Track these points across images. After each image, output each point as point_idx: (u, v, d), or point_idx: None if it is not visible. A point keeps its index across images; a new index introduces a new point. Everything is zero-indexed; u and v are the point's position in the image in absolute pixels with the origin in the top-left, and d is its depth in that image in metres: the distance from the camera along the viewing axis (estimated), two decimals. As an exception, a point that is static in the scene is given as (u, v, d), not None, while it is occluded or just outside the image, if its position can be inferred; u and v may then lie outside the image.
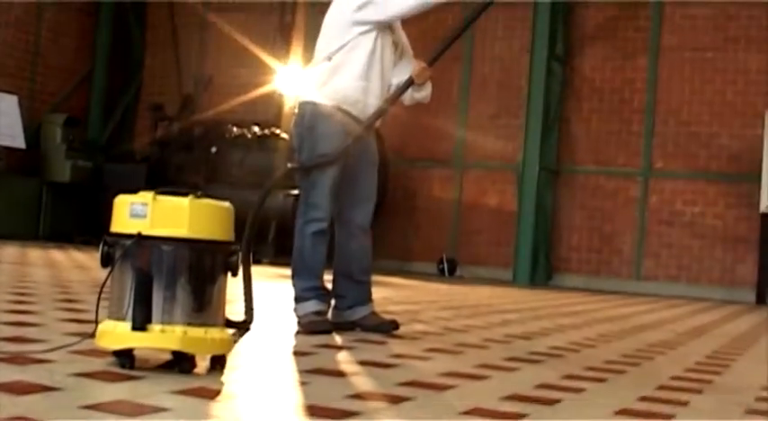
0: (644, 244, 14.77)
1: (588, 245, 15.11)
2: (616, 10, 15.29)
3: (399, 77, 5.62)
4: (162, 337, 3.32)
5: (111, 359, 3.41)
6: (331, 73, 5.44)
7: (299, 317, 5.35)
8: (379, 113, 5.50)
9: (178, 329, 3.32)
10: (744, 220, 14.24)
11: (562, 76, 15.18)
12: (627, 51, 15.18)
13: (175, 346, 3.35)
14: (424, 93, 5.70)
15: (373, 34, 5.46)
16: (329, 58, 5.45)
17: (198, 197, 3.41)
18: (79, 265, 9.81)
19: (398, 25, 5.71)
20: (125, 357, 3.35)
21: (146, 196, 3.37)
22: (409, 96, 5.64)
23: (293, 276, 5.45)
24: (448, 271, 14.96)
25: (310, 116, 5.47)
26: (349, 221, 5.55)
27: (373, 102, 5.48)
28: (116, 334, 3.36)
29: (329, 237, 5.49)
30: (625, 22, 15.20)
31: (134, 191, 3.48)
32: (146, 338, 3.32)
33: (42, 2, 16.73)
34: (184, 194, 3.40)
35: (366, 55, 5.45)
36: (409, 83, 5.53)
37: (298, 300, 5.38)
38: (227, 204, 3.53)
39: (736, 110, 14.45)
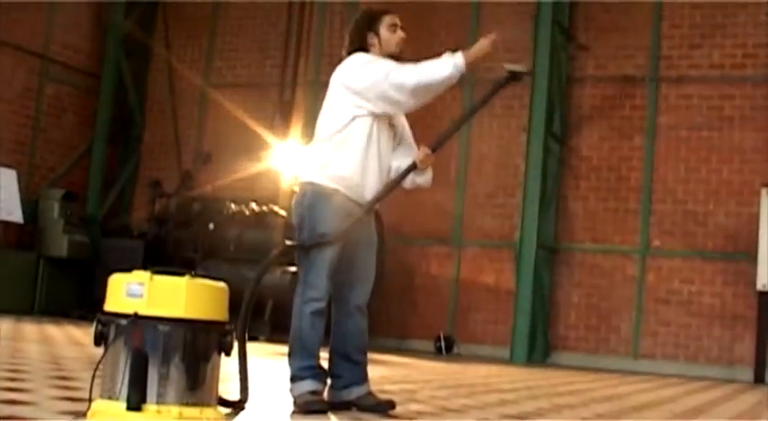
0: (641, 322, 14.72)
1: (586, 323, 15.07)
2: (612, 89, 15.44)
3: (399, 161, 5.65)
4: (158, 417, 3.30)
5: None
6: (329, 155, 5.48)
7: (294, 396, 5.31)
8: (380, 198, 5.52)
9: (173, 409, 3.30)
10: (741, 298, 14.21)
11: (559, 155, 15.28)
12: (623, 130, 15.29)
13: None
14: (426, 177, 5.71)
15: (370, 117, 5.51)
16: (329, 140, 5.49)
17: (193, 277, 3.41)
18: (74, 341, 9.76)
19: None
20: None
21: (142, 276, 3.37)
22: (411, 180, 5.65)
23: (290, 355, 5.42)
24: (445, 349, 14.88)
25: (311, 196, 5.49)
26: (346, 301, 5.54)
27: (371, 184, 5.50)
28: (110, 413, 3.34)
29: (326, 317, 5.48)
30: (621, 102, 15.33)
31: (129, 269, 3.49)
32: (141, 418, 3.30)
33: (43, 78, 16.87)
34: (180, 274, 3.40)
35: (364, 138, 5.48)
36: (412, 168, 5.55)
37: (294, 379, 5.35)
38: (221, 285, 3.54)
39: (732, 188, 14.51)
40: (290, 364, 5.39)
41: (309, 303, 5.36)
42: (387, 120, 5.64)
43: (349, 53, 5.86)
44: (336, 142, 5.48)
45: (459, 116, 6.22)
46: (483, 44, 5.78)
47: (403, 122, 5.82)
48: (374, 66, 5.65)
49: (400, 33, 5.92)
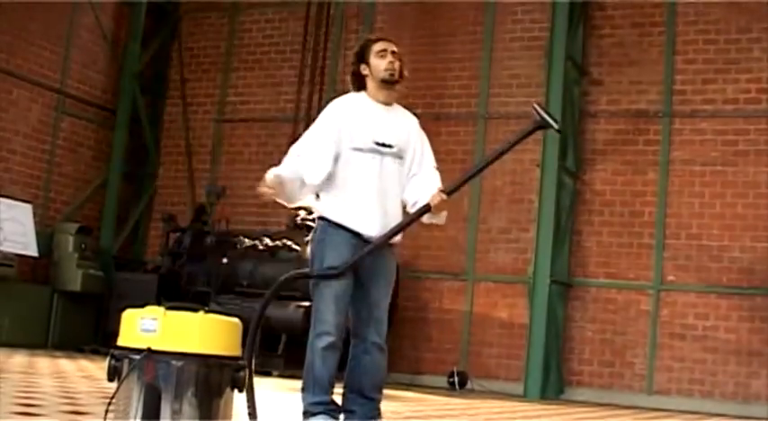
0: (656, 357, 14.65)
1: (600, 358, 15.00)
2: (626, 124, 15.45)
3: (415, 194, 5.67)
4: (169, 452, 3.30)
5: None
6: (331, 190, 5.57)
7: None
8: (390, 235, 5.51)
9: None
10: (757, 334, 14.15)
11: (573, 190, 15.28)
12: (637, 165, 15.29)
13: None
14: (440, 217, 5.70)
15: (352, 153, 5.58)
16: (329, 176, 5.55)
17: (206, 313, 3.42)
18: (88, 376, 9.75)
19: (405, 138, 5.77)
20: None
21: (156, 311, 3.39)
22: (426, 217, 5.65)
23: (302, 390, 5.44)
24: (458, 384, 14.81)
25: (321, 229, 5.59)
26: (364, 338, 5.55)
27: (373, 219, 5.53)
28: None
29: (340, 352, 5.49)
30: (635, 136, 15.34)
31: (142, 304, 3.50)
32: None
33: (59, 112, 16.97)
34: (194, 310, 3.41)
35: (357, 173, 5.56)
36: (425, 210, 5.54)
37: (306, 414, 5.36)
38: (234, 320, 3.54)
39: (746, 223, 14.48)
40: (303, 399, 5.41)
41: (320, 337, 5.38)
42: (388, 154, 5.65)
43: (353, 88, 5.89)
44: (336, 178, 5.56)
45: (480, 161, 6.14)
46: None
47: (416, 153, 5.80)
48: (310, 128, 5.79)
49: (389, 58, 5.77)
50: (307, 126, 15.90)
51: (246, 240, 15.12)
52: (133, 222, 18.31)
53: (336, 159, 5.54)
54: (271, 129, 17.65)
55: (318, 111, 16.34)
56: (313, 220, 5.80)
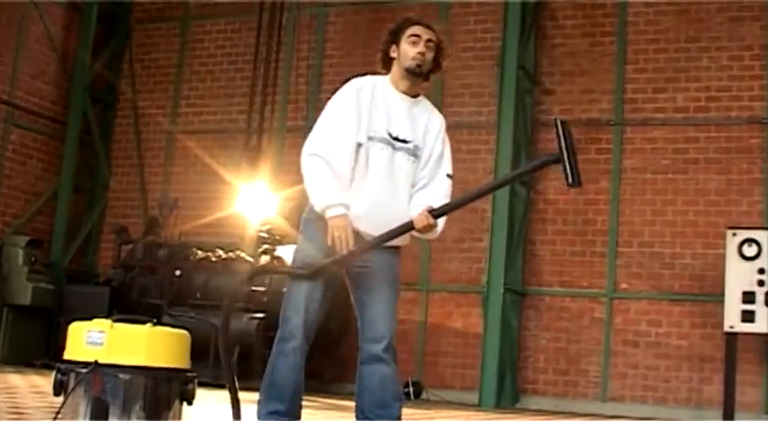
0: (610, 365, 14.72)
1: (554, 366, 15.05)
2: (578, 133, 15.48)
3: (417, 200, 5.26)
4: (116, 467, 3.24)
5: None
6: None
7: None
8: (373, 245, 5.12)
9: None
10: (709, 340, 14.24)
11: (526, 199, 15.33)
12: (589, 173, 15.34)
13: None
14: (431, 233, 5.33)
15: (362, 147, 5.14)
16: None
17: (155, 325, 3.37)
18: (38, 391, 9.62)
19: (423, 135, 5.30)
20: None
21: (103, 324, 3.33)
22: (416, 232, 5.24)
23: (259, 400, 5.07)
24: (413, 394, 14.78)
25: (309, 219, 5.27)
26: (360, 347, 5.22)
27: (379, 217, 5.13)
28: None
29: (303, 358, 5.14)
30: (587, 145, 15.40)
31: (92, 317, 3.44)
32: (100, 468, 3.24)
33: (8, 124, 16.79)
34: (142, 322, 3.36)
35: (364, 164, 5.15)
36: (408, 228, 5.13)
37: None
38: (183, 332, 3.49)
39: (697, 230, 14.59)
40: (258, 410, 5.05)
41: (283, 341, 5.05)
42: (402, 149, 5.22)
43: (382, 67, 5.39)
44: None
45: (479, 188, 5.74)
46: (344, 245, 4.99)
47: (433, 154, 5.32)
48: (325, 111, 5.35)
49: (420, 47, 5.27)
50: (259, 137, 15.97)
51: (199, 252, 15.03)
52: (84, 234, 18.14)
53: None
54: (223, 140, 17.55)
55: (272, 123, 16.36)
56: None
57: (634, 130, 15.24)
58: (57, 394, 3.37)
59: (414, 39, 5.28)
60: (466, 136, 15.89)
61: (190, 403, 3.48)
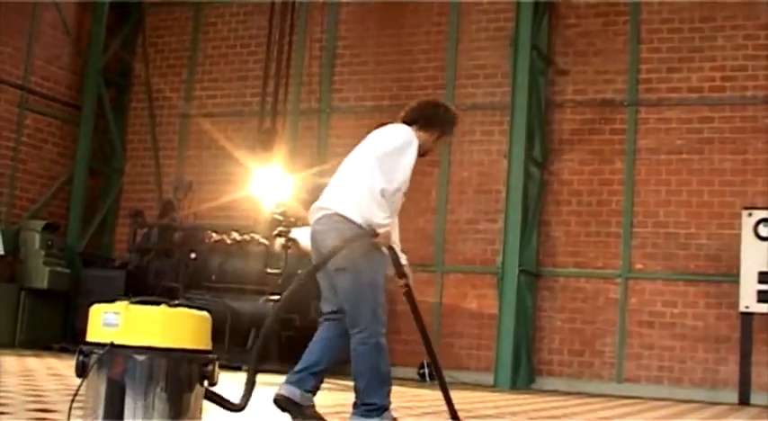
0: (625, 346, 14.72)
1: (569, 347, 15.05)
2: (592, 113, 15.49)
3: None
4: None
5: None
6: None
7: None
8: (334, 252, 5.63)
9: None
10: (724, 320, 14.23)
11: (540, 180, 15.31)
12: (604, 154, 15.34)
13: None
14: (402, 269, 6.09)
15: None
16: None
17: (173, 306, 3.38)
18: (55, 373, 9.67)
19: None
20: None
21: (119, 306, 3.35)
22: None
23: (366, 389, 5.76)
24: (428, 375, 14.79)
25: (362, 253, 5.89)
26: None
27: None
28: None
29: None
30: (601, 126, 15.39)
31: (112, 300, 3.45)
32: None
33: (23, 109, 16.83)
34: (159, 304, 3.37)
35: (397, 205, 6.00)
36: (370, 234, 5.70)
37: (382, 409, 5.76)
38: (201, 313, 3.50)
39: (713, 210, 14.56)
40: (381, 406, 5.73)
41: (382, 336, 5.90)
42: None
43: (407, 120, 6.16)
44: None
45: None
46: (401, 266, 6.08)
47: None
48: (401, 154, 5.92)
49: (436, 149, 6.55)
50: (273, 119, 15.97)
51: (214, 235, 15.05)
52: (100, 218, 18.19)
53: None
54: (237, 123, 17.59)
55: (285, 105, 16.33)
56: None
57: (648, 111, 15.19)
58: (79, 375, 3.40)
59: (442, 142, 6.47)
60: (480, 117, 15.88)
61: (211, 383, 3.48)
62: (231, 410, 4.30)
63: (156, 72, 18.71)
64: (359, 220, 5.67)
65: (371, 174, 5.67)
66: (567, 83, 15.73)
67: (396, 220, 5.96)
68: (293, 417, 5.72)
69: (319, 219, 5.84)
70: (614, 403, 11.78)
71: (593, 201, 15.29)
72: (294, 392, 5.69)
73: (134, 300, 3.41)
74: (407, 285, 6.14)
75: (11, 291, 15.65)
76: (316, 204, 5.92)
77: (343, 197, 5.79)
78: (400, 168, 5.80)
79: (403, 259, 6.07)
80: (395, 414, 5.73)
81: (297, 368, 5.79)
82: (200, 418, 3.50)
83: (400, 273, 6.06)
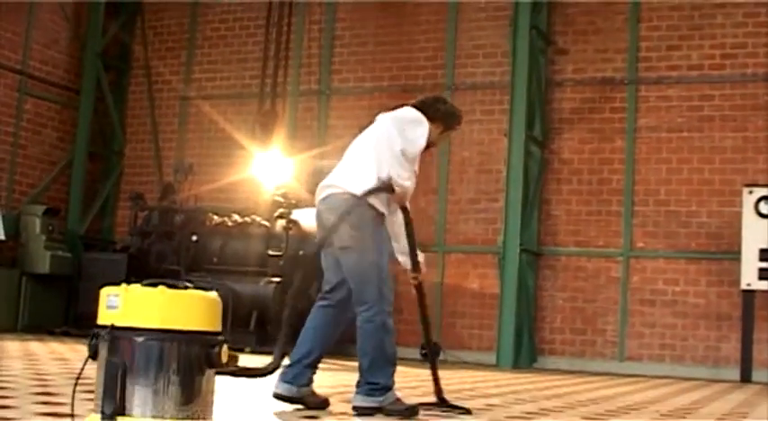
0: (627, 324, 14.74)
1: (571, 326, 15.08)
2: (592, 92, 15.47)
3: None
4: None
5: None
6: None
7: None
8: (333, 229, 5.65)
9: (142, 422, 3.25)
10: (726, 298, 14.25)
11: (541, 159, 15.30)
12: (604, 133, 15.33)
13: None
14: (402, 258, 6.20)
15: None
16: None
17: (180, 288, 3.37)
18: (58, 357, 9.69)
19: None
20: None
21: (120, 288, 3.34)
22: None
23: (380, 383, 5.69)
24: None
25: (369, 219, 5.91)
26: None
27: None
28: (93, 427, 3.32)
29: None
30: (601, 104, 15.37)
31: (125, 282, 3.44)
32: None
33: (22, 93, 16.80)
34: (170, 286, 3.36)
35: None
36: (386, 189, 5.70)
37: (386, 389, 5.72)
38: (208, 295, 3.48)
39: (713, 188, 14.56)
40: (385, 386, 5.67)
41: (388, 316, 5.77)
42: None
43: (419, 105, 6.18)
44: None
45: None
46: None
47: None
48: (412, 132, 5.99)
49: (440, 144, 6.56)
50: (273, 101, 15.95)
51: (215, 217, 15.06)
52: (101, 202, 18.20)
53: None
54: (237, 105, 17.57)
55: (285, 87, 16.29)
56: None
57: (648, 89, 15.17)
58: (93, 358, 3.40)
59: (446, 137, 6.48)
60: (480, 96, 15.86)
61: (216, 367, 3.45)
62: (256, 376, 4.26)
63: (155, 55, 18.68)
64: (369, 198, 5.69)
65: (389, 137, 5.77)
66: (567, 62, 15.71)
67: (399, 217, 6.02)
68: (294, 404, 5.74)
69: (325, 197, 5.83)
70: (616, 381, 11.81)
71: (593, 179, 15.29)
72: (291, 390, 5.71)
73: (148, 282, 3.40)
74: (419, 281, 6.23)
75: (12, 276, 15.67)
76: (323, 183, 5.91)
77: (352, 175, 5.79)
78: (417, 136, 5.89)
79: (420, 256, 6.14)
80: (398, 394, 5.70)
81: (290, 361, 5.78)
82: (208, 401, 3.47)
83: (414, 268, 6.12)
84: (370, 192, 5.63)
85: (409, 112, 6.04)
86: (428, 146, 6.12)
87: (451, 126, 6.35)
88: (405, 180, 5.73)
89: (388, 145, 5.75)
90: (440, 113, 6.18)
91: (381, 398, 5.56)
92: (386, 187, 5.64)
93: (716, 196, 14.54)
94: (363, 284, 5.69)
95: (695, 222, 14.62)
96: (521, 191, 14.51)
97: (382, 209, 5.78)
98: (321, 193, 5.89)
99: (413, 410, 5.65)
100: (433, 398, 6.31)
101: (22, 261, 15.85)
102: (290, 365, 5.76)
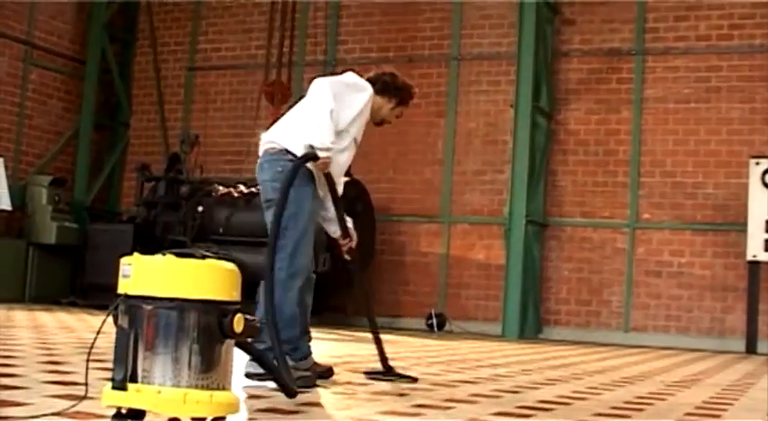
0: (632, 295, 14.76)
1: (577, 297, 15.10)
2: (599, 63, 15.42)
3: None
4: (137, 397, 3.27)
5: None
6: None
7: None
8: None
9: (153, 389, 3.26)
10: (732, 269, 14.26)
11: (547, 130, 15.26)
12: (611, 103, 15.28)
13: (149, 407, 3.29)
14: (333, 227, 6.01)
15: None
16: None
17: (211, 258, 3.40)
18: (65, 327, 9.74)
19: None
20: (118, 418, 3.31)
21: (132, 257, 3.36)
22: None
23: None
24: (437, 326, 14.89)
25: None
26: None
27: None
28: (103, 393, 3.34)
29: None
30: (608, 75, 15.32)
31: (123, 254, 3.45)
32: (122, 398, 3.27)
33: (28, 64, 16.78)
34: (194, 257, 3.38)
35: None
36: (310, 157, 5.50)
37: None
38: (224, 264, 3.50)
39: (720, 159, 14.53)
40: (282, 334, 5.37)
41: (292, 278, 5.59)
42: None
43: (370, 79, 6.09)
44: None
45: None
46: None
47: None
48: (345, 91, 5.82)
49: (392, 119, 6.24)
50: (279, 71, 15.92)
51: (221, 188, 15.07)
52: (107, 173, 18.22)
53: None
54: (243, 76, 17.54)
55: (291, 57, 16.24)
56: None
57: (656, 59, 15.11)
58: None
59: (398, 112, 6.21)
60: (486, 67, 15.82)
61: (229, 336, 3.45)
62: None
63: (161, 25, 18.63)
64: (299, 152, 5.52)
65: (323, 96, 5.52)
66: (574, 32, 15.64)
67: (341, 168, 5.87)
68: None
69: (262, 153, 5.82)
70: (621, 352, 11.84)
71: (599, 150, 15.26)
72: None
73: (174, 251, 3.41)
74: (351, 247, 5.99)
75: (19, 247, 15.71)
76: (264, 135, 5.88)
77: (287, 129, 5.73)
78: (353, 103, 5.73)
79: (349, 221, 5.97)
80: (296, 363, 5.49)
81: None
82: (227, 370, 3.48)
83: (344, 234, 5.94)
84: (299, 158, 5.50)
85: (351, 77, 5.93)
86: (381, 122, 6.08)
87: (404, 100, 6.18)
88: (325, 143, 5.43)
89: (319, 105, 5.51)
90: (392, 88, 6.07)
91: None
92: (312, 155, 5.45)
93: (722, 167, 14.51)
94: (282, 236, 5.48)
95: (701, 193, 14.60)
96: (527, 162, 14.50)
97: (312, 167, 5.59)
98: (260, 147, 5.88)
99: (305, 380, 5.34)
100: (379, 367, 6.17)
101: (29, 231, 15.89)
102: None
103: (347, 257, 6.09)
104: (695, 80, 14.83)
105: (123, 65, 18.61)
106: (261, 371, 5.26)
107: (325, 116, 5.46)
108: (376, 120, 6.13)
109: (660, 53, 15.07)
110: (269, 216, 5.63)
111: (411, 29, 16.42)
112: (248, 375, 5.35)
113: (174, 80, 18.42)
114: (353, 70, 6.15)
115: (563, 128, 15.46)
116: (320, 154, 5.44)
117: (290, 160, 5.55)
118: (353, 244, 5.98)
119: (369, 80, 6.01)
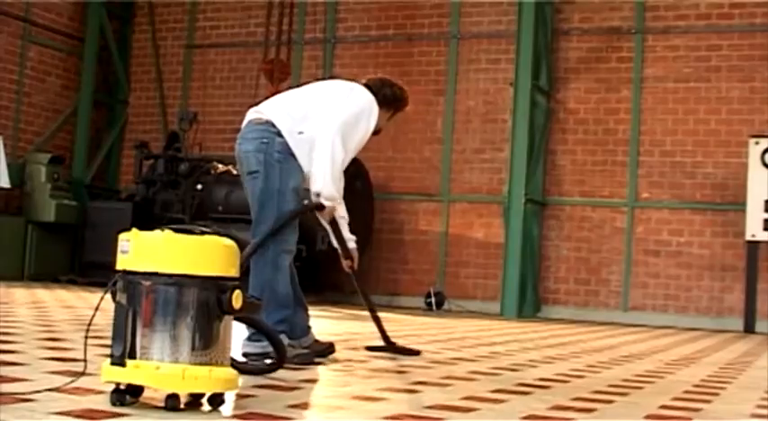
0: (631, 274, 14.77)
1: (575, 276, 15.11)
2: (599, 42, 15.38)
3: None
4: (135, 373, 3.28)
5: (107, 396, 3.39)
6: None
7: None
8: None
9: (151, 365, 3.28)
10: (730, 249, 14.27)
11: (546, 108, 15.24)
12: (610, 82, 15.25)
13: (147, 382, 3.30)
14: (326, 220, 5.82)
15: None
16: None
17: (196, 233, 3.40)
18: (64, 304, 9.75)
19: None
20: (117, 394, 3.32)
21: (130, 233, 3.36)
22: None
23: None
24: (435, 304, 14.90)
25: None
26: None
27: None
28: (102, 369, 3.35)
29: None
30: (608, 54, 15.28)
31: (122, 231, 3.45)
32: (121, 374, 3.29)
33: (26, 41, 16.73)
34: (192, 233, 3.38)
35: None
36: (314, 207, 5.59)
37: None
38: (222, 240, 3.50)
39: (719, 139, 14.51)
40: (269, 318, 5.36)
41: (281, 256, 5.53)
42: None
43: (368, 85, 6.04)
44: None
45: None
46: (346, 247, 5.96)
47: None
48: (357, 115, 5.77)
49: (384, 127, 6.18)
50: (278, 49, 15.89)
51: (220, 166, 15.06)
52: (106, 151, 18.21)
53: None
54: (242, 54, 17.49)
55: (290, 35, 16.19)
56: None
57: (656, 38, 15.07)
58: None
59: (390, 119, 6.23)
60: (485, 45, 15.78)
61: (228, 312, 3.46)
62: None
63: (159, 2, 18.57)
64: (284, 127, 5.53)
65: (333, 143, 5.49)
66: (574, 10, 15.59)
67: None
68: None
69: (246, 123, 5.77)
70: (620, 331, 11.86)
71: (599, 129, 15.25)
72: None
73: (175, 227, 3.41)
74: (352, 268, 5.99)
75: (18, 225, 15.68)
76: (253, 108, 5.82)
77: (278, 107, 5.70)
78: (361, 128, 5.73)
79: (351, 242, 5.94)
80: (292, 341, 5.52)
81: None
82: (226, 347, 3.49)
83: (345, 254, 5.93)
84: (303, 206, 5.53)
85: (363, 104, 5.81)
86: (376, 133, 6.01)
87: (399, 109, 6.24)
88: (336, 193, 5.54)
89: (330, 155, 5.47)
90: (389, 99, 6.06)
91: (265, 343, 5.18)
92: (317, 206, 5.54)
93: (722, 147, 14.50)
94: (263, 212, 5.47)
95: (701, 173, 14.59)
96: (526, 140, 14.47)
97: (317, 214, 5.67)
98: (247, 117, 5.81)
99: (303, 357, 5.39)
100: (380, 343, 6.26)
101: (28, 209, 15.87)
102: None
103: (347, 271, 6.08)
104: (695, 59, 14.79)
105: (122, 42, 18.56)
106: (258, 350, 5.28)
107: (336, 168, 5.49)
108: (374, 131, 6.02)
109: (660, 32, 15.03)
110: (251, 187, 5.57)
111: (410, 7, 16.37)
112: (246, 355, 5.33)
113: (172, 58, 18.38)
114: (356, 80, 6.12)
115: (562, 106, 15.44)
116: (326, 203, 5.51)
117: (275, 133, 5.53)
118: (355, 265, 5.98)
119: (368, 87, 5.96)
